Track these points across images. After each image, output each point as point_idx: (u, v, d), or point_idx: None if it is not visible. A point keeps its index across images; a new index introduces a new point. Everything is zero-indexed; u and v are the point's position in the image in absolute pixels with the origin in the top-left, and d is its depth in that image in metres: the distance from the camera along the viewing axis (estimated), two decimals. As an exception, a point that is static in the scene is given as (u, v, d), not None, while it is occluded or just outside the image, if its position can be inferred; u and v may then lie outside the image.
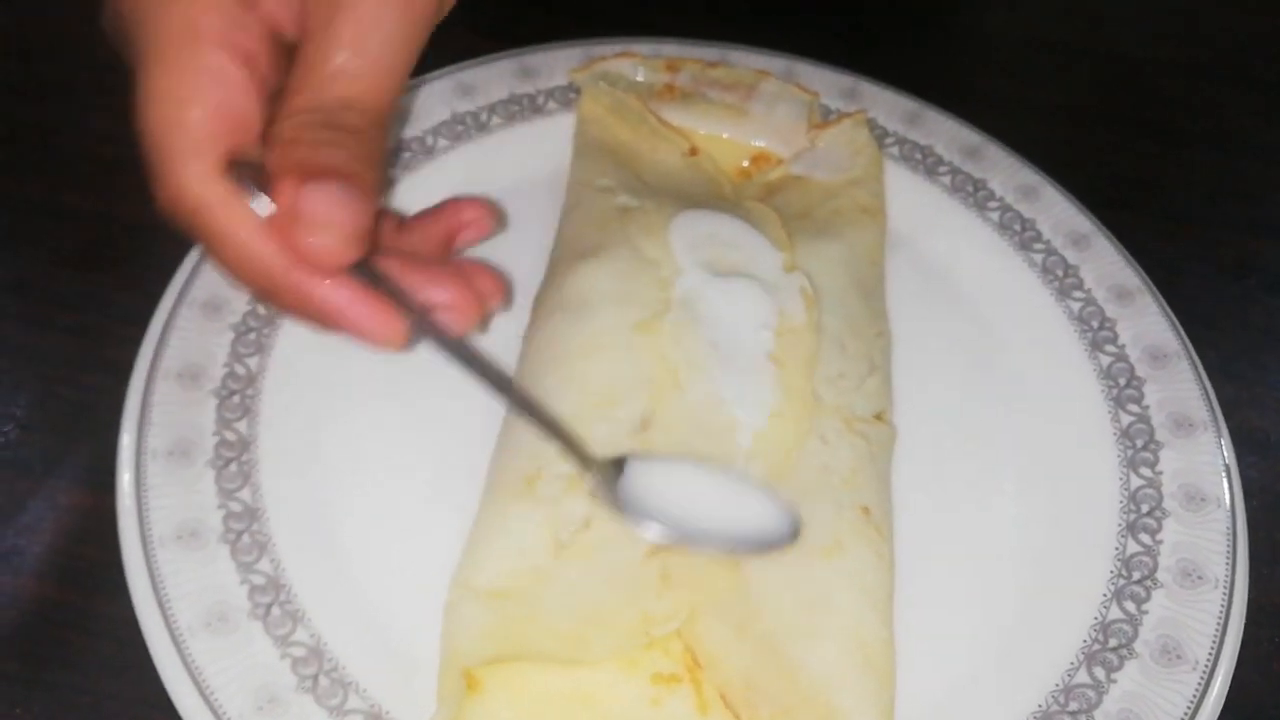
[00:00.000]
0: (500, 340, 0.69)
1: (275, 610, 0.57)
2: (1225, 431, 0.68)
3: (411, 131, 0.78)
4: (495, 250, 0.74)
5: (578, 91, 0.82)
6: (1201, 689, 0.58)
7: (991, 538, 0.65)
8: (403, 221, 0.59)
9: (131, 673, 0.58)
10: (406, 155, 0.77)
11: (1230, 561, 0.63)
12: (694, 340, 0.64)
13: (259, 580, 0.57)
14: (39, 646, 0.59)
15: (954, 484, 0.67)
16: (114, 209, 0.77)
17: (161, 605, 0.55)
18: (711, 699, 0.57)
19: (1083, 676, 0.58)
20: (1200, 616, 0.60)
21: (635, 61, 0.82)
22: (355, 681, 0.55)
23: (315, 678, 0.55)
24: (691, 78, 0.82)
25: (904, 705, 0.56)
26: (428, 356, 0.67)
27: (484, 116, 0.80)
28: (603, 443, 0.60)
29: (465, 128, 0.79)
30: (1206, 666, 0.58)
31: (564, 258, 0.71)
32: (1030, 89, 0.97)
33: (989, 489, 0.67)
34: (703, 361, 0.64)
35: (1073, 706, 0.57)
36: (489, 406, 0.65)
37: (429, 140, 0.78)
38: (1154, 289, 0.75)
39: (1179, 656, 0.59)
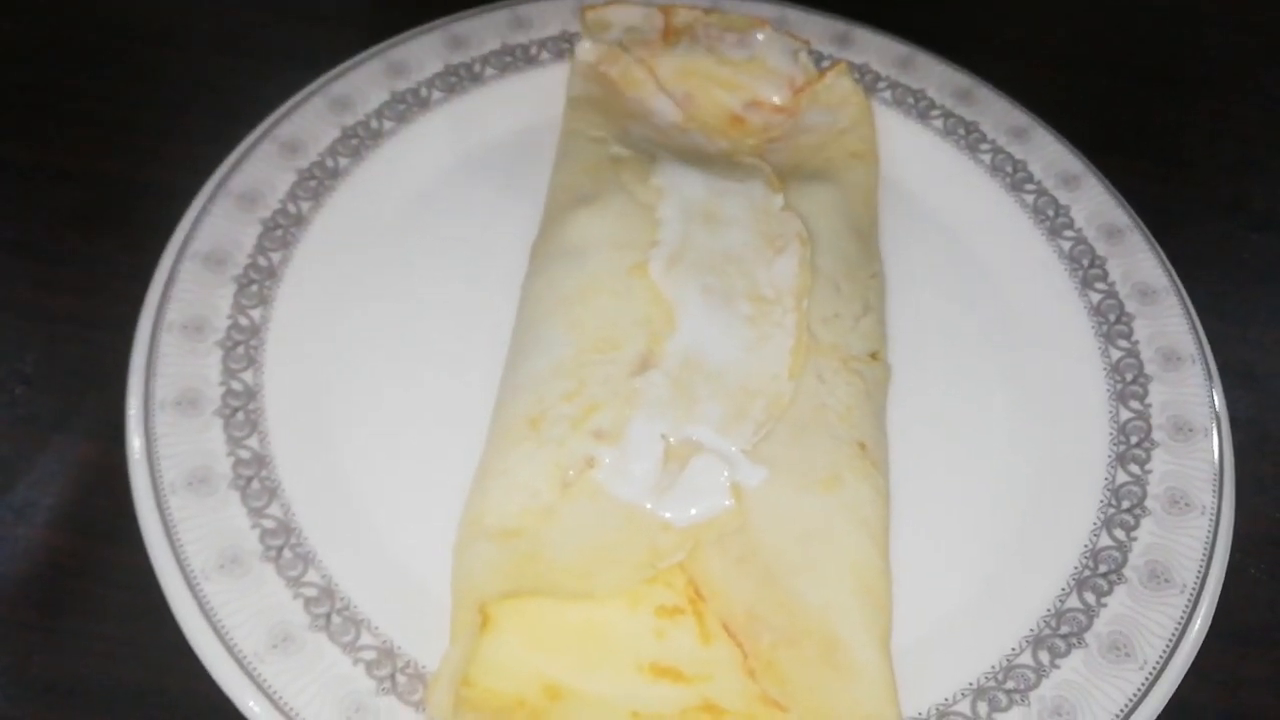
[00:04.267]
0: (500, 289, 0.70)
1: (286, 553, 0.58)
2: (1213, 365, 0.69)
3: (405, 84, 0.78)
4: (490, 200, 0.76)
5: (570, 42, 0.82)
6: (1189, 611, 0.59)
7: (984, 471, 0.67)
8: None
9: (146, 619, 0.59)
10: (401, 108, 0.77)
11: (1217, 489, 0.64)
12: (688, 281, 0.65)
13: (269, 524, 0.59)
14: (54, 596, 0.61)
15: (947, 420, 0.68)
16: (111, 168, 0.77)
17: (175, 549, 0.56)
18: (714, 630, 0.58)
19: (1074, 601, 0.60)
20: (1188, 542, 0.62)
21: (629, 9, 0.82)
22: (367, 619, 0.56)
23: (328, 616, 0.56)
24: (685, 24, 0.83)
25: (901, 631, 0.58)
26: (428, 305, 0.70)
27: (477, 68, 0.80)
28: (604, 384, 0.62)
29: (459, 79, 0.79)
30: (1194, 590, 0.60)
31: (558, 205, 0.72)
32: (1023, 34, 0.97)
33: (982, 424, 0.69)
34: (697, 301, 0.65)
35: (1064, 630, 0.59)
36: (491, 350, 0.67)
37: (423, 92, 0.78)
38: (1143, 227, 0.76)
39: (1167, 580, 0.60)
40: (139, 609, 0.59)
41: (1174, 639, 0.58)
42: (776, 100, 0.82)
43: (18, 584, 0.60)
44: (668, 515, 0.60)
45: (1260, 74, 0.95)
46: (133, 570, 0.60)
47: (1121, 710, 0.56)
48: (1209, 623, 0.60)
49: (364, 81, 0.77)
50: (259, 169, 0.72)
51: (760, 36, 0.83)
